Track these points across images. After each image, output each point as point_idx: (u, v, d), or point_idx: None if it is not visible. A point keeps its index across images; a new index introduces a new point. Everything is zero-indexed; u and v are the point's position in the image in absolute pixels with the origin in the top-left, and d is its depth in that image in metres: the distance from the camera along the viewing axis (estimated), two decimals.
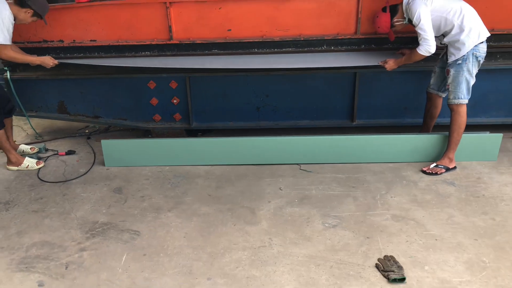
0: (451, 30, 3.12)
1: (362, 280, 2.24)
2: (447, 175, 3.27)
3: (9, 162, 3.58)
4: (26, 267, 2.43)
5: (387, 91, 3.89)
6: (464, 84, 3.16)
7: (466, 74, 3.14)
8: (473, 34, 3.08)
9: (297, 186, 3.21)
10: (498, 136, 3.38)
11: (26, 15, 3.31)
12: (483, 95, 3.83)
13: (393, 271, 2.26)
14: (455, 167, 3.34)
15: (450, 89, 3.23)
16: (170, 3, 3.57)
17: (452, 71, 3.18)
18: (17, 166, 3.57)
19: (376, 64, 3.45)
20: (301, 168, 3.48)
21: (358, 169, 3.42)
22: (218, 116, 4.09)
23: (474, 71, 3.17)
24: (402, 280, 2.22)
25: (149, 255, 2.50)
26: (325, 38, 3.65)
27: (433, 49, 3.07)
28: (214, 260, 2.43)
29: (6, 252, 2.56)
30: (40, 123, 4.58)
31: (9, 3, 3.24)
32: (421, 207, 2.88)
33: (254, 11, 3.58)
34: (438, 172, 3.26)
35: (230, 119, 4.10)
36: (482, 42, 3.13)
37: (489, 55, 3.60)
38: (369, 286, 2.20)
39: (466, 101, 3.22)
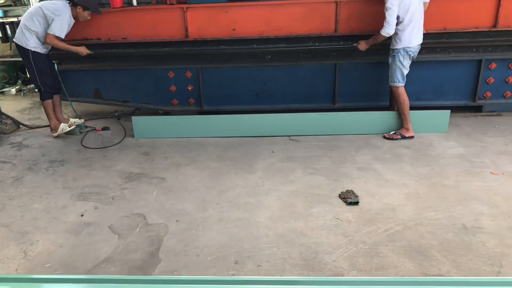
0: (399, 24, 3.95)
1: (327, 204, 3.10)
2: (405, 142, 4.13)
3: (51, 129, 4.54)
4: (84, 198, 3.32)
5: (362, 79, 4.76)
6: (397, 71, 4.06)
7: (398, 64, 4.03)
8: (408, 38, 3.94)
9: (286, 150, 4.08)
10: (447, 112, 4.23)
11: (80, 11, 4.27)
12: (441, 82, 4.70)
13: (350, 198, 3.12)
14: (412, 137, 4.19)
15: (389, 73, 4.13)
16: (186, 8, 4.49)
17: (390, 59, 4.09)
18: (56, 132, 4.51)
19: (351, 45, 4.32)
20: (291, 139, 4.35)
21: (335, 139, 4.28)
22: (225, 101, 4.98)
23: (406, 62, 4.04)
24: (356, 203, 3.07)
25: (173, 191, 3.38)
26: (311, 36, 4.54)
27: (391, 32, 3.92)
28: (221, 194, 3.31)
29: (67, 190, 3.46)
30: (78, 108, 5.49)
31: (71, 7, 4.25)
32: (381, 162, 3.74)
33: (254, 14, 4.49)
34: (394, 138, 4.13)
35: (234, 103, 4.98)
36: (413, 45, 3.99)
37: (444, 49, 4.52)
38: (332, 207, 3.05)
39: (401, 84, 4.10)
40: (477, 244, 2.58)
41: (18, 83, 6.62)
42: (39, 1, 4.45)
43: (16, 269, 2.52)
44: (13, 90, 6.40)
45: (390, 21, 3.88)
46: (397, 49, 4.02)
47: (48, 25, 4.21)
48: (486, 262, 2.42)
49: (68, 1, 4.29)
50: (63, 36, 4.27)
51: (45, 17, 4.20)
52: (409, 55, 4.02)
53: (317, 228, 2.81)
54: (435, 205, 3.03)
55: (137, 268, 2.50)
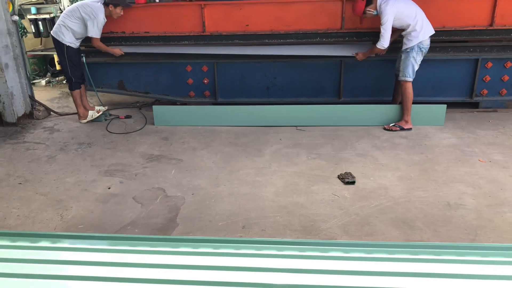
0: (407, 27, 4.30)
1: (327, 183, 3.45)
2: (403, 133, 4.45)
3: (79, 116, 4.96)
4: (110, 174, 3.74)
5: (366, 75, 5.09)
6: (410, 67, 4.37)
7: (411, 59, 4.34)
8: (421, 34, 4.27)
9: (293, 138, 4.44)
10: (443, 106, 4.54)
11: (112, 9, 4.69)
12: (440, 80, 5.00)
13: (348, 178, 3.46)
14: (411, 129, 4.50)
15: (400, 69, 4.44)
16: (204, 4, 4.88)
17: (403, 56, 4.40)
18: (85, 118, 4.94)
19: (351, 54, 4.67)
20: (297, 128, 4.71)
21: (339, 129, 4.63)
22: (238, 93, 5.37)
23: (418, 58, 4.37)
24: (352, 183, 3.42)
25: (190, 170, 3.78)
26: (319, 32, 4.88)
27: (386, 45, 4.30)
28: (232, 173, 3.69)
29: (95, 167, 3.88)
30: (102, 98, 5.93)
31: (104, 7, 4.67)
32: (378, 150, 4.07)
33: (265, 11, 4.86)
34: (394, 129, 4.46)
35: (246, 96, 5.37)
36: (426, 39, 4.31)
37: (443, 49, 4.82)
38: (330, 186, 3.41)
39: (410, 79, 4.42)
40: (457, 218, 2.90)
41: (47, 75, 7.13)
42: (74, 0, 4.86)
43: (55, 228, 2.94)
44: (43, 82, 6.92)
45: (384, 35, 4.26)
46: (411, 46, 4.33)
47: (83, 24, 4.65)
48: (463, 232, 2.75)
49: (102, 3, 4.71)
50: (99, 37, 4.73)
51: (81, 18, 4.64)
52: (422, 51, 4.33)
53: (316, 202, 3.17)
54: (424, 186, 3.35)
55: (158, 230, 2.89)
